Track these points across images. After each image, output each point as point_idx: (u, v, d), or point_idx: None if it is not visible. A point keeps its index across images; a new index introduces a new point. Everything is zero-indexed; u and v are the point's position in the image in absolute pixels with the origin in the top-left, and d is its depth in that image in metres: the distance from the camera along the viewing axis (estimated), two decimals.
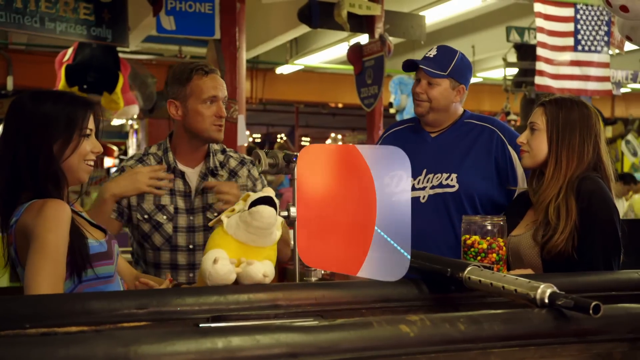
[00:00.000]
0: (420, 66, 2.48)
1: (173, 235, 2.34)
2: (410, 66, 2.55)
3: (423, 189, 2.47)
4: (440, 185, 2.46)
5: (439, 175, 2.47)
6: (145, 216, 2.32)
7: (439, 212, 2.44)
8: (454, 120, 2.56)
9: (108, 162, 11.64)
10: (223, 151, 2.49)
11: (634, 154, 12.13)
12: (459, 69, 2.49)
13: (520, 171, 2.42)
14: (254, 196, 1.48)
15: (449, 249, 2.33)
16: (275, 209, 1.48)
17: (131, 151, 11.73)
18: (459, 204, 2.44)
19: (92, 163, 1.81)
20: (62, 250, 1.62)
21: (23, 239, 1.65)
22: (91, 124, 1.80)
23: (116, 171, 2.45)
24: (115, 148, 11.94)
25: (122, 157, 12.36)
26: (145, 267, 2.40)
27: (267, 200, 1.48)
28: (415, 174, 2.45)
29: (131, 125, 11.57)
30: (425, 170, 2.48)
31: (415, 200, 2.40)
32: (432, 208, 2.45)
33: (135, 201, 2.33)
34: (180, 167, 2.38)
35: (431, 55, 2.51)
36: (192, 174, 2.39)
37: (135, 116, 9.73)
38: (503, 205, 2.40)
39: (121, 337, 0.95)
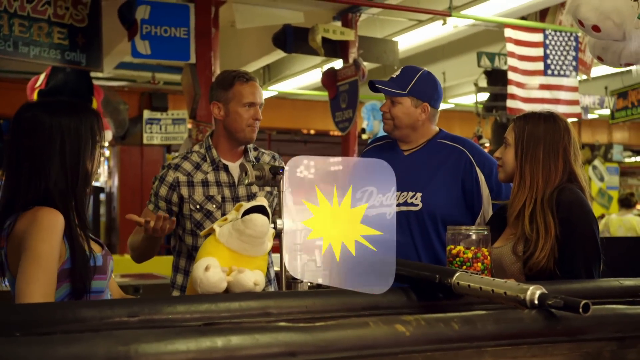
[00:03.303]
0: (377, 85, 2.54)
1: None
2: (374, 86, 2.61)
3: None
4: (405, 204, 2.48)
5: (405, 193, 2.49)
6: (197, 206, 2.58)
7: (401, 229, 2.42)
8: (427, 139, 2.59)
9: None
10: (255, 149, 2.76)
11: (601, 179, 12.37)
12: (419, 88, 2.53)
13: (485, 193, 2.45)
14: (246, 205, 1.49)
15: None
16: (268, 218, 1.48)
17: (102, 179, 11.59)
18: (421, 223, 2.46)
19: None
20: (54, 260, 1.60)
21: (14, 246, 1.63)
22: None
23: (162, 168, 2.69)
24: None
25: (95, 184, 12.19)
26: (193, 254, 2.55)
27: (259, 210, 1.48)
28: None
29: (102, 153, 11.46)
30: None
31: None
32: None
33: (186, 194, 2.58)
34: (224, 161, 2.62)
35: (394, 76, 2.59)
36: (234, 167, 2.64)
37: (107, 143, 9.66)
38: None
39: (121, 336, 0.95)
